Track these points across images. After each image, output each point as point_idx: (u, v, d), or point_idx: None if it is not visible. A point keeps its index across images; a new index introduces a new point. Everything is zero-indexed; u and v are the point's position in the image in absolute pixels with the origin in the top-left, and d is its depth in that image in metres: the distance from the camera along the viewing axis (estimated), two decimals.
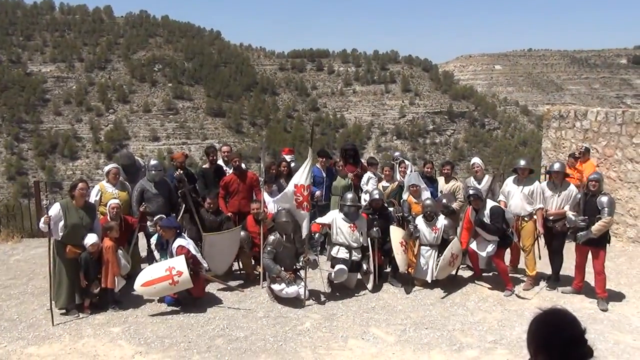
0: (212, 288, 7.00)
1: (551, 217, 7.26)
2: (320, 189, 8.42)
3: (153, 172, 7.50)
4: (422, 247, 7.21)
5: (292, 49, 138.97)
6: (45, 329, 5.98)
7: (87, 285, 6.27)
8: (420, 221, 7.26)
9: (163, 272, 6.31)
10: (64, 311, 6.32)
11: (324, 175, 8.60)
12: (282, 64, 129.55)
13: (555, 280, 7.37)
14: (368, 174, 8.56)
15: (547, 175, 7.94)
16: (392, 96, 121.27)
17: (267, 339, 5.66)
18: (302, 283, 6.69)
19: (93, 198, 7.31)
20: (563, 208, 7.08)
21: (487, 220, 6.88)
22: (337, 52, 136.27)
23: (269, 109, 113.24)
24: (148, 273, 6.44)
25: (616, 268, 8.25)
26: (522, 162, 7.54)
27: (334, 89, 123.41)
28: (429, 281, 7.11)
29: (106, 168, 7.73)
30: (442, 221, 7.23)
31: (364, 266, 7.13)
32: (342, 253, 7.00)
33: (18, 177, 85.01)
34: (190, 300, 6.49)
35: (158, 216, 7.00)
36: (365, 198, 7.98)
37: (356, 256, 7.07)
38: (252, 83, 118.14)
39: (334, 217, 7.13)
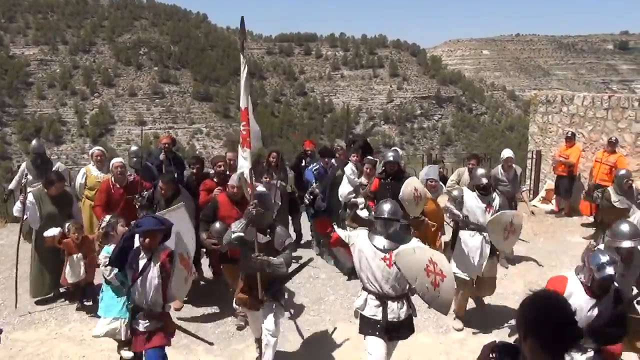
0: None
1: None
2: (321, 189, 7.17)
3: (134, 159, 7.42)
4: (464, 233, 5.69)
5: (279, 33, 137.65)
6: (31, 314, 5.93)
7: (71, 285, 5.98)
8: (470, 196, 5.70)
9: None
10: (50, 296, 6.26)
11: (329, 172, 7.37)
12: (270, 48, 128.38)
13: None
14: (350, 165, 7.03)
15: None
16: (380, 81, 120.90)
17: None
18: (280, 309, 4.66)
19: (78, 181, 7.23)
20: None
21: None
22: (325, 36, 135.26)
23: (256, 94, 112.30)
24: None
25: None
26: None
27: (321, 73, 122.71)
28: (480, 275, 5.68)
29: (91, 151, 7.62)
30: (498, 198, 5.78)
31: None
32: (371, 307, 4.20)
33: (2, 162, 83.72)
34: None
35: (110, 217, 5.20)
36: (343, 194, 6.84)
37: (395, 312, 4.15)
38: (239, 67, 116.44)
39: (360, 241, 4.22)
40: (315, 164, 7.59)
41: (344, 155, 7.74)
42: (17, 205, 6.10)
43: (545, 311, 1.98)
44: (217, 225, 5.30)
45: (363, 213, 6.39)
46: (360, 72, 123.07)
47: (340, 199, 6.88)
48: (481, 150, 57.41)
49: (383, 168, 6.80)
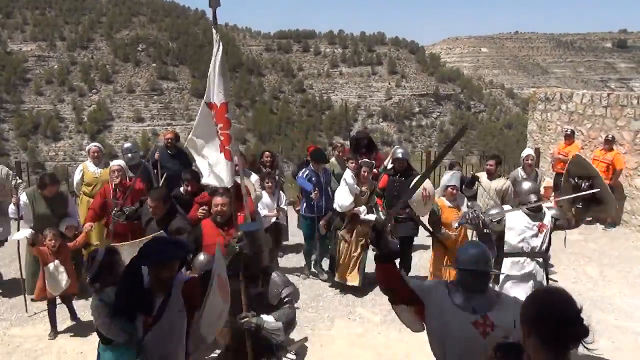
0: None
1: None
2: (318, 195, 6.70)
3: (128, 155, 7.24)
4: (511, 264, 4.75)
5: (278, 30, 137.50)
6: (28, 310, 5.91)
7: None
8: (516, 217, 4.78)
9: None
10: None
11: (322, 180, 6.82)
12: (268, 45, 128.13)
13: None
14: (349, 172, 6.41)
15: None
16: (378, 78, 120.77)
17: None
18: None
19: (76, 178, 7.19)
20: None
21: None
22: (323, 33, 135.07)
23: (254, 90, 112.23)
24: None
25: (599, 249, 8.38)
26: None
27: (320, 70, 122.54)
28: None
29: (87, 147, 7.53)
30: (548, 213, 4.83)
31: None
32: None
33: None
34: None
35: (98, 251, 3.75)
36: (342, 205, 6.27)
37: None
38: (237, 64, 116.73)
39: (437, 297, 2.98)
40: (305, 170, 6.91)
41: (344, 153, 7.59)
42: (11, 207, 6.03)
43: (548, 306, 1.94)
44: (201, 257, 4.22)
45: (370, 217, 6.20)
46: (358, 69, 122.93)
47: (338, 209, 6.37)
48: (479, 148, 57.46)
49: (392, 165, 6.69)
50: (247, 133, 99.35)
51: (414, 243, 6.81)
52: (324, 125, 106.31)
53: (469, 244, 3.30)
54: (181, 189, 6.00)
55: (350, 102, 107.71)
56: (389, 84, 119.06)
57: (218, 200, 4.66)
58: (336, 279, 6.58)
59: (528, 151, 7.71)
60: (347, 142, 7.73)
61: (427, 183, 6.06)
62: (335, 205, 6.42)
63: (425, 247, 7.50)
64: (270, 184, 6.71)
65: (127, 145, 7.55)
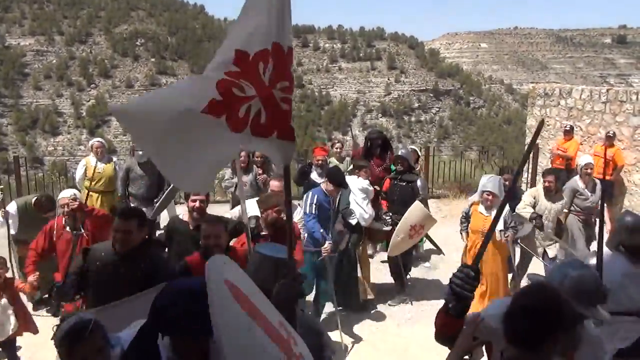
0: None
1: None
2: (326, 224, 5.42)
3: (139, 152, 7.09)
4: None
5: None
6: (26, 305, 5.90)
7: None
8: (614, 262, 3.43)
9: None
10: (45, 297, 5.96)
11: (335, 204, 5.58)
12: None
13: None
14: (364, 181, 5.96)
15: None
16: (377, 73, 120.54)
17: None
18: None
19: (79, 173, 7.20)
20: None
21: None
22: (322, 28, 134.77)
23: None
24: None
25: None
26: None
27: (319, 65, 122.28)
28: None
29: (90, 142, 7.44)
30: None
31: None
32: None
33: None
34: None
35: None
36: (366, 219, 5.73)
37: None
38: None
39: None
40: (311, 193, 5.44)
41: (344, 150, 7.43)
42: None
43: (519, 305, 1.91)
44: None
45: (377, 225, 6.03)
46: (358, 64, 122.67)
47: (364, 223, 5.80)
48: (478, 143, 57.42)
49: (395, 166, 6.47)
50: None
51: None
52: (323, 121, 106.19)
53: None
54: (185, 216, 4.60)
55: (350, 98, 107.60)
56: (388, 79, 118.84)
57: (207, 231, 3.66)
58: (362, 298, 6.03)
59: (587, 159, 6.74)
60: (347, 138, 7.55)
61: (423, 216, 5.72)
62: (359, 220, 5.75)
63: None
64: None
65: None
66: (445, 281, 6.77)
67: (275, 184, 4.39)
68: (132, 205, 6.93)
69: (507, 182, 5.79)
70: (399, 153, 6.49)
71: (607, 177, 8.22)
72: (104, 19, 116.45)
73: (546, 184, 6.03)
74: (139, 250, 3.44)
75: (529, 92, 12.22)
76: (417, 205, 5.78)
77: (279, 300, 2.04)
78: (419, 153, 7.79)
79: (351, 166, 6.76)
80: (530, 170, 11.25)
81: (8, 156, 58.38)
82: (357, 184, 5.88)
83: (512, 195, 5.70)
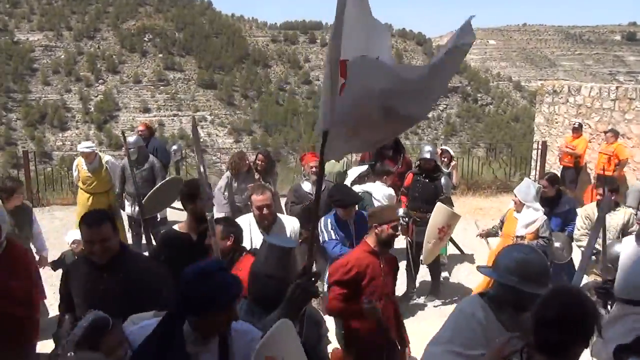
0: None
1: None
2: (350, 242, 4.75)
3: (131, 149, 6.69)
4: None
5: (284, 21, 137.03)
6: None
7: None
8: None
9: None
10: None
11: (352, 231, 4.76)
12: (275, 36, 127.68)
13: None
14: (382, 186, 6.00)
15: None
16: None
17: None
18: None
19: (74, 174, 7.27)
20: None
21: None
22: (330, 24, 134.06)
23: (261, 82, 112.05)
24: None
25: None
26: None
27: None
28: None
29: (79, 148, 7.10)
30: None
31: None
32: None
33: (7, 148, 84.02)
34: None
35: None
36: None
37: None
38: (244, 55, 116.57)
39: None
40: (323, 220, 4.76)
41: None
42: None
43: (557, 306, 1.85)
44: None
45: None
46: None
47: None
48: (486, 140, 57.23)
49: (418, 163, 6.35)
50: (253, 124, 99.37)
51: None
52: None
53: None
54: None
55: None
56: None
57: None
58: None
59: None
60: None
61: (448, 216, 5.59)
62: None
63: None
64: None
65: (132, 139, 7.02)
66: (453, 280, 6.77)
67: (258, 198, 3.81)
68: (126, 203, 7.05)
69: (546, 189, 5.42)
70: (425, 155, 6.19)
71: (610, 173, 8.17)
72: (112, 15, 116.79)
73: (599, 197, 5.39)
74: (119, 258, 2.93)
75: (538, 89, 12.17)
76: (439, 208, 5.68)
77: (294, 299, 2.12)
78: (452, 153, 7.52)
79: (354, 167, 6.74)
80: (538, 169, 11.22)
81: (17, 151, 58.69)
82: (380, 190, 5.82)
83: (557, 202, 5.54)
